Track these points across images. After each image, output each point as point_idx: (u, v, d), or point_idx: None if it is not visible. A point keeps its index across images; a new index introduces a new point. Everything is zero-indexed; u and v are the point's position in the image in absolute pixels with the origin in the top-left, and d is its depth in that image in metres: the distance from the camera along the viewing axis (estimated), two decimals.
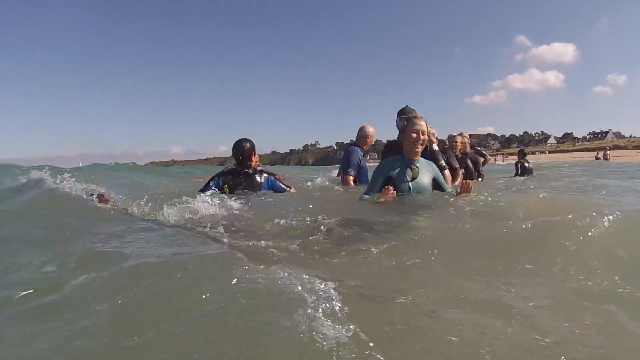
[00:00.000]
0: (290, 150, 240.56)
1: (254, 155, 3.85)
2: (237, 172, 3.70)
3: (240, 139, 3.82)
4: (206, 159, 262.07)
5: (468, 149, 6.66)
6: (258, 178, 3.68)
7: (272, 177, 3.77)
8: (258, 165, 3.92)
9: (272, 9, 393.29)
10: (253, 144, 3.85)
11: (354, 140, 5.17)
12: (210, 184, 3.64)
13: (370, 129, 5.13)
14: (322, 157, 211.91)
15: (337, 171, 6.50)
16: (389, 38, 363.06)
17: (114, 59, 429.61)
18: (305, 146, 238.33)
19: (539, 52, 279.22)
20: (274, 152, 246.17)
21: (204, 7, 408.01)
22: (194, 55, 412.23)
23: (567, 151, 68.04)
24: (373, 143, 5.20)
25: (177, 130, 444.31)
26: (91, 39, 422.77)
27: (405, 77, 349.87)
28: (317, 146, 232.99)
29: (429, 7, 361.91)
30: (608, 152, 28.17)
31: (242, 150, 3.73)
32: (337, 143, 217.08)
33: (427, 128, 3.12)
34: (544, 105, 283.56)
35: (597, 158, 27.85)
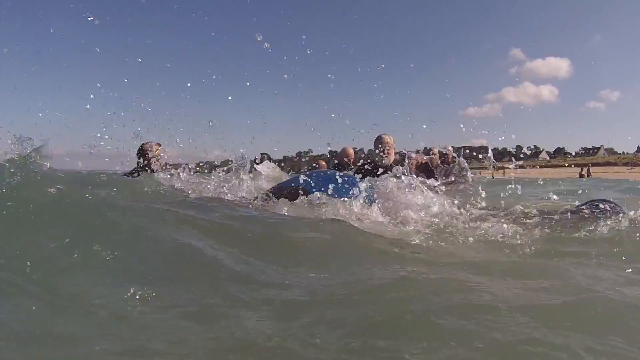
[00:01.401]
0: (284, 157, 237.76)
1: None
2: None
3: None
4: (199, 162, 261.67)
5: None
6: None
7: None
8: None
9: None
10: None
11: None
12: None
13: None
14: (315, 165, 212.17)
15: None
16: (383, 46, 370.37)
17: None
18: (299, 153, 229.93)
19: (533, 66, 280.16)
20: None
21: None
22: (189, 51, 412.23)
23: (558, 166, 68.10)
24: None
25: (169, 131, 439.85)
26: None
27: (401, 85, 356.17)
28: (311, 153, 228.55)
29: (424, 18, 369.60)
30: (590, 168, 30.09)
31: None
32: (330, 152, 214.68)
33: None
34: (537, 119, 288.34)
35: (581, 175, 28.39)
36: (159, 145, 4.25)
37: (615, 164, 59.49)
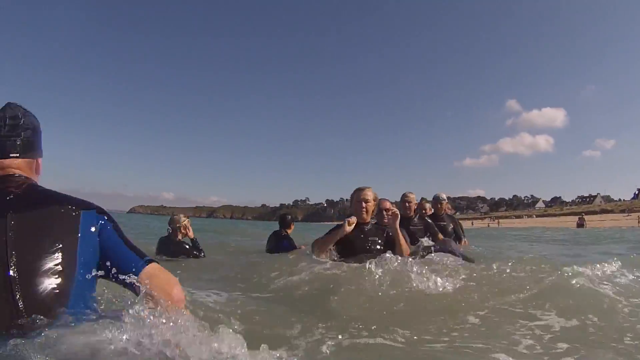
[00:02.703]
0: (280, 204, 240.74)
1: (292, 225, 5.66)
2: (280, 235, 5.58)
3: (284, 213, 5.91)
4: (196, 207, 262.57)
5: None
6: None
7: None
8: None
9: (268, 66, 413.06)
10: (292, 218, 5.84)
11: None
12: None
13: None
14: (311, 213, 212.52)
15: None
16: (381, 101, 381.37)
17: (109, 96, 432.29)
18: (296, 201, 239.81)
19: (529, 117, 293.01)
20: (263, 206, 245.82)
21: (200, 53, 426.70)
22: (193, 104, 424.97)
23: (555, 215, 69.51)
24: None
25: (170, 175, 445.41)
26: (82, 75, 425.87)
27: (397, 139, 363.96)
28: (307, 202, 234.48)
29: (422, 72, 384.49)
30: (584, 216, 28.81)
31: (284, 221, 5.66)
32: (327, 200, 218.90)
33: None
34: (534, 169, 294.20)
35: (579, 225, 27.05)
36: (187, 217, 4.83)
37: (611, 211, 59.39)
